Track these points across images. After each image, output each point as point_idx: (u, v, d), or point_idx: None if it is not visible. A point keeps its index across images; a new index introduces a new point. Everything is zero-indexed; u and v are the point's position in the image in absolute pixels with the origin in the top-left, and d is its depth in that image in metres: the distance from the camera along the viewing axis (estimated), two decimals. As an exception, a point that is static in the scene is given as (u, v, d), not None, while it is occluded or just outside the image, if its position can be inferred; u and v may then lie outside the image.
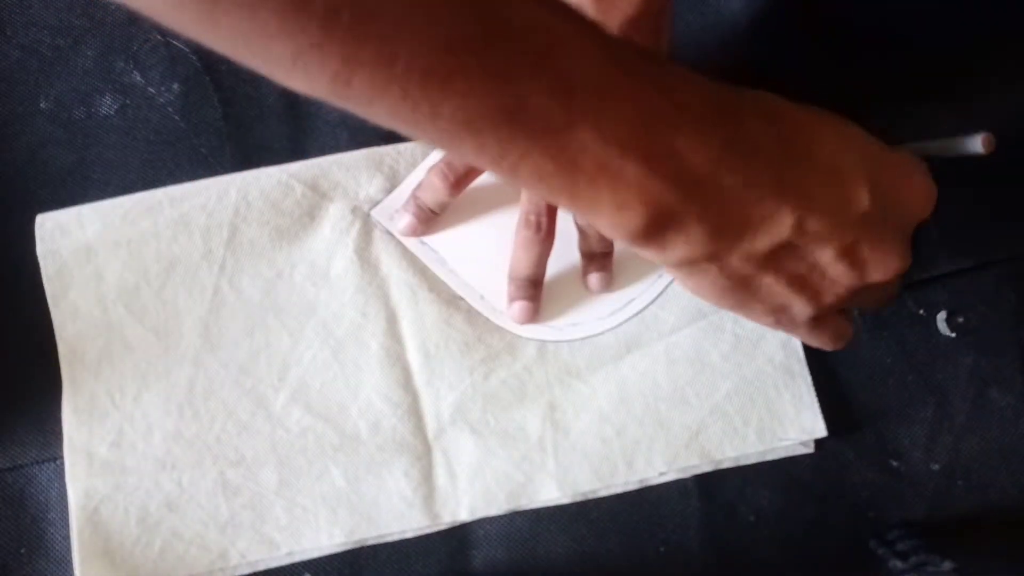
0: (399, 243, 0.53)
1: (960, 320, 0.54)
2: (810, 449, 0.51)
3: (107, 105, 0.55)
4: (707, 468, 0.51)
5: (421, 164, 0.54)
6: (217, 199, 0.53)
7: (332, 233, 0.53)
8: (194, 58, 0.56)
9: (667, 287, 0.53)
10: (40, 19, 0.56)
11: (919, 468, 0.52)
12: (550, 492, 0.50)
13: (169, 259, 0.52)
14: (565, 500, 0.50)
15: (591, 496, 0.50)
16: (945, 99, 0.57)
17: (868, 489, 0.51)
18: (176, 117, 0.55)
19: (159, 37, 0.56)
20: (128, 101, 0.55)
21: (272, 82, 0.54)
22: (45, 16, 0.56)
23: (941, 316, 0.54)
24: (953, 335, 0.53)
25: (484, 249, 0.53)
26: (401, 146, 0.54)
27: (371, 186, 0.54)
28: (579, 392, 0.51)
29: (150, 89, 0.55)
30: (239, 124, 0.55)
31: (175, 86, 0.56)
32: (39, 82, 0.55)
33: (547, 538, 0.50)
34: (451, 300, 0.52)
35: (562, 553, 0.50)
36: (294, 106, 0.55)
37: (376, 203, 0.53)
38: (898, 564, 0.48)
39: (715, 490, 0.51)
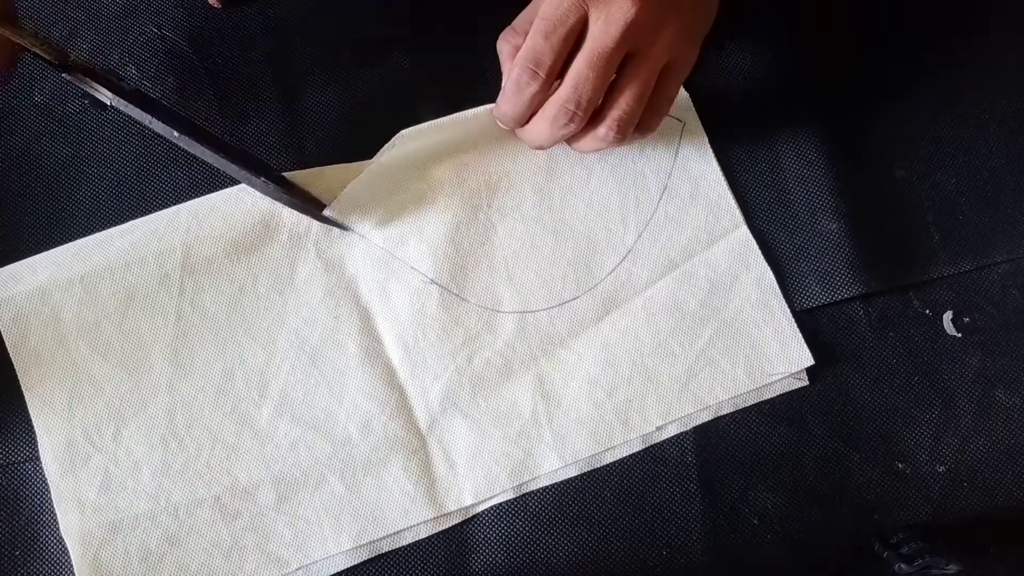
0: (360, 238, 0.52)
1: (966, 320, 0.53)
2: (804, 382, 0.51)
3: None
4: (706, 417, 0.51)
5: (374, 159, 0.52)
6: (167, 222, 0.51)
7: (290, 238, 0.51)
8: (189, 51, 0.54)
9: (635, 243, 0.52)
10: (36, 11, 0.54)
11: (924, 470, 0.51)
12: (551, 463, 0.50)
13: (126, 290, 0.50)
14: (571, 472, 0.50)
15: (595, 464, 0.50)
16: (944, 100, 0.56)
17: (873, 491, 0.51)
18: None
19: (154, 30, 0.54)
20: (123, 95, 0.53)
21: (268, 75, 0.54)
22: (41, 8, 0.55)
23: (947, 316, 0.53)
24: (959, 335, 0.53)
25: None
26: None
27: None
28: (564, 360, 0.51)
29: (145, 82, 0.54)
30: (235, 117, 0.53)
31: (170, 79, 0.54)
32: (34, 75, 0.54)
33: (547, 541, 0.50)
34: (421, 288, 0.51)
35: (563, 557, 0.49)
36: (291, 99, 0.54)
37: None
38: (903, 567, 0.47)
39: (718, 492, 0.50)
